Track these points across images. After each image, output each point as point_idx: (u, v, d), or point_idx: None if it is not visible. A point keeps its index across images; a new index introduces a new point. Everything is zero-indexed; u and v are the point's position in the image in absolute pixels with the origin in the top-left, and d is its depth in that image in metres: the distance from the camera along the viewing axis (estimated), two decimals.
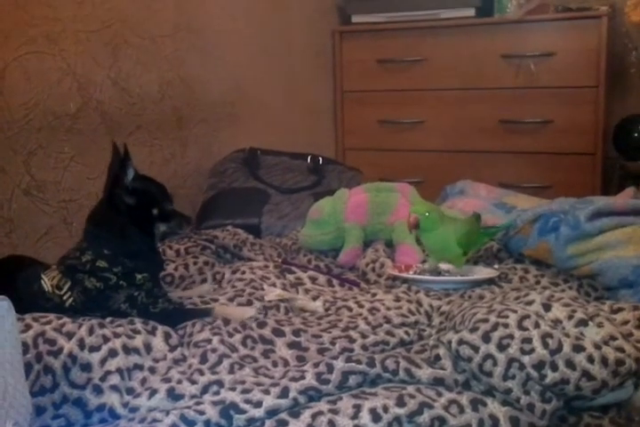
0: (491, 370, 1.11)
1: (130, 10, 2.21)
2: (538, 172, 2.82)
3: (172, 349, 1.26)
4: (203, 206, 2.35)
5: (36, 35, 1.94)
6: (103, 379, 1.16)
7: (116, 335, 1.23)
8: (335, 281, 1.69)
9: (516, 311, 1.17)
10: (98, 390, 1.14)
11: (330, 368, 1.12)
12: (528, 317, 1.15)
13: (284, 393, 1.07)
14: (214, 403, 1.05)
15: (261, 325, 1.32)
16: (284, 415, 1.04)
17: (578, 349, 1.11)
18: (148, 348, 1.24)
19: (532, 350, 1.10)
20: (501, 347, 1.12)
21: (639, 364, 1.14)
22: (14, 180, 1.90)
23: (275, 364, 1.23)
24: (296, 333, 1.31)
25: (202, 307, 1.44)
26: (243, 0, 2.69)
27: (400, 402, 1.05)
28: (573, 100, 2.76)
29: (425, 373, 1.14)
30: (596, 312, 1.23)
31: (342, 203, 1.91)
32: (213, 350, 1.22)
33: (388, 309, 1.43)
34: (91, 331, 1.22)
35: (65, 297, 1.35)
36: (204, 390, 1.12)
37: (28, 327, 1.20)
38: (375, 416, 1.03)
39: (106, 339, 1.21)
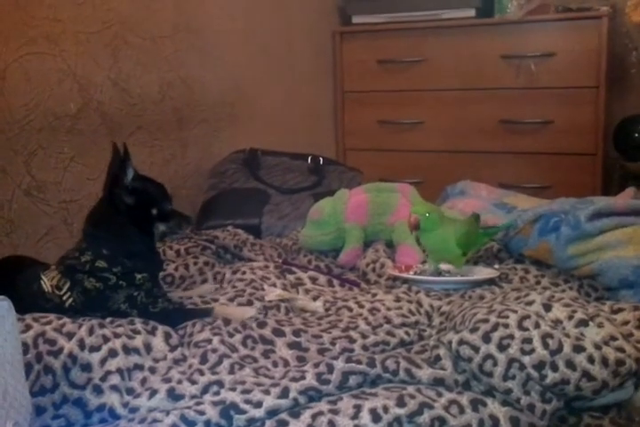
0: (491, 370, 1.11)
1: (129, 11, 2.21)
2: (538, 172, 2.81)
3: (173, 349, 1.26)
4: (203, 207, 2.35)
5: (37, 35, 1.94)
6: (103, 379, 1.16)
7: (116, 335, 1.23)
8: (335, 281, 1.69)
9: (516, 312, 1.17)
10: (98, 391, 1.14)
11: (330, 368, 1.12)
12: (528, 317, 1.15)
13: (285, 393, 1.07)
14: (214, 403, 1.05)
15: (262, 325, 1.32)
16: (284, 416, 1.04)
17: (578, 349, 1.11)
18: (148, 348, 1.24)
19: (533, 351, 1.10)
20: (502, 347, 1.12)
21: (639, 364, 1.13)
22: (15, 180, 1.90)
23: (275, 364, 1.23)
24: (296, 333, 1.31)
25: (202, 307, 1.44)
26: (242, 0, 2.69)
27: (400, 402, 1.04)
28: (574, 101, 2.76)
29: (425, 373, 1.14)
30: (597, 313, 1.23)
31: (342, 203, 1.91)
32: (214, 351, 1.22)
33: (389, 309, 1.43)
34: (91, 331, 1.22)
35: (65, 297, 1.35)
36: (205, 390, 1.12)
37: (28, 328, 1.20)
38: (375, 417, 1.03)
39: (106, 339, 1.21)
